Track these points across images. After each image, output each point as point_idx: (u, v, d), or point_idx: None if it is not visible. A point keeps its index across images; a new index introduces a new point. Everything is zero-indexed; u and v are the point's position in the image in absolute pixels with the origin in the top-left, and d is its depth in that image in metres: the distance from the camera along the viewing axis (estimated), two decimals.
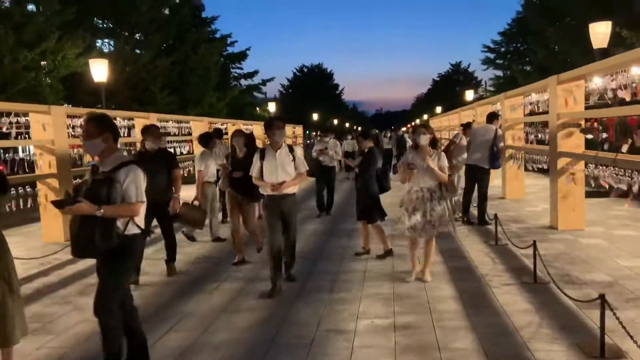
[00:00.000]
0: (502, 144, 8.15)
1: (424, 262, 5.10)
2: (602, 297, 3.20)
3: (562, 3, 20.36)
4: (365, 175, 6.00)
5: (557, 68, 22.82)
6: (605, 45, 11.98)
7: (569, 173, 6.70)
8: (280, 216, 4.87)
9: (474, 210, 7.95)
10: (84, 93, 18.32)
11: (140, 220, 3.12)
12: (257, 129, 19.56)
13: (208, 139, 7.55)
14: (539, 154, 8.28)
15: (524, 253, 5.67)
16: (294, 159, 4.89)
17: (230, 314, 4.33)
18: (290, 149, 4.94)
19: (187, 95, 23.37)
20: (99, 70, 13.44)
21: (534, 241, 4.86)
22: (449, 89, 62.15)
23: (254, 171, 4.94)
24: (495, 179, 13.04)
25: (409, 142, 16.11)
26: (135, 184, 3.03)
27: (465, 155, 8.17)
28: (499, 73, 32.49)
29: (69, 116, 8.48)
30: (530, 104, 9.08)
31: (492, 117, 8.33)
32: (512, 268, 5.37)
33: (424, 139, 4.91)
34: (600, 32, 11.78)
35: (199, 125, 13.64)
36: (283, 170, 4.80)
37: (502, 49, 31.20)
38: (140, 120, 10.52)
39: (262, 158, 4.85)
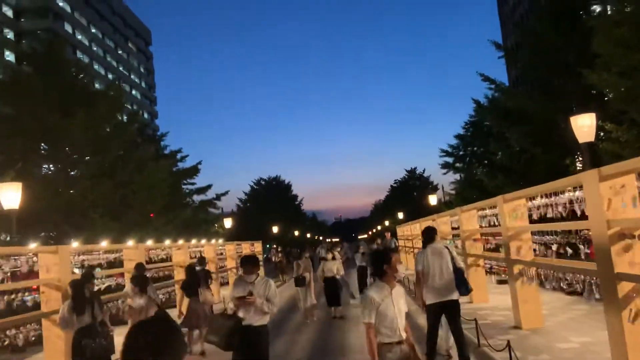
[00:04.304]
0: (460, 264, 6.54)
1: None
2: None
3: (521, 103, 20.21)
4: None
5: (520, 168, 22.37)
6: (592, 139, 10.87)
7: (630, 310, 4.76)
8: None
9: None
10: None
11: None
12: (209, 250, 17.23)
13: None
14: (573, 272, 6.39)
15: None
16: None
17: None
18: None
19: (131, 219, 20.95)
20: (10, 196, 11.13)
21: None
22: (407, 194, 62.31)
23: None
24: (493, 298, 11.11)
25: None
26: None
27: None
28: (458, 176, 32.17)
29: None
30: (538, 208, 7.40)
31: (433, 232, 6.61)
32: None
33: None
34: (584, 124, 10.68)
35: (133, 254, 11.23)
36: None
37: (461, 152, 31.06)
38: (46, 255, 8.10)
39: None
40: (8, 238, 18.20)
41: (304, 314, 11.36)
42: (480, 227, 10.67)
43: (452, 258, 6.36)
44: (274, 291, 5.31)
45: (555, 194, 7.24)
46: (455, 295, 6.27)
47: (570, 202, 7.07)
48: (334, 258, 11.64)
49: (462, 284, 6.27)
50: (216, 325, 5.01)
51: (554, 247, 7.56)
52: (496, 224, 9.70)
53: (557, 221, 7.42)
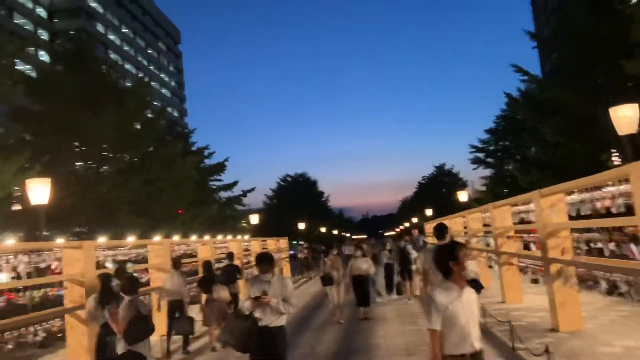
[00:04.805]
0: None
1: None
2: None
3: (557, 95, 19.48)
4: None
5: (555, 163, 21.57)
6: (634, 131, 10.25)
7: None
8: None
9: None
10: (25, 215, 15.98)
11: None
12: (234, 246, 17.12)
13: None
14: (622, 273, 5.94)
15: None
16: None
17: None
18: None
19: (157, 215, 21.11)
20: (38, 192, 11.23)
21: None
22: (435, 191, 61.35)
23: None
24: (527, 298, 10.62)
25: (413, 255, 13.57)
26: None
27: None
28: (488, 172, 31.42)
29: None
30: (578, 202, 6.96)
31: (443, 230, 6.60)
32: None
33: None
34: (625, 115, 10.10)
35: (158, 249, 11.19)
36: None
37: (492, 147, 30.28)
38: (70, 252, 8.08)
39: None
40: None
41: (332, 312, 10.70)
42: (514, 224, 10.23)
43: None
44: (290, 290, 4.99)
45: (596, 188, 6.83)
46: None
47: (613, 197, 6.66)
48: (363, 255, 10.98)
49: (470, 283, 6.11)
50: (231, 326, 4.79)
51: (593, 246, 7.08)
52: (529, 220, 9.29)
53: (596, 217, 6.98)
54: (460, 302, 3.28)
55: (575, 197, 7.40)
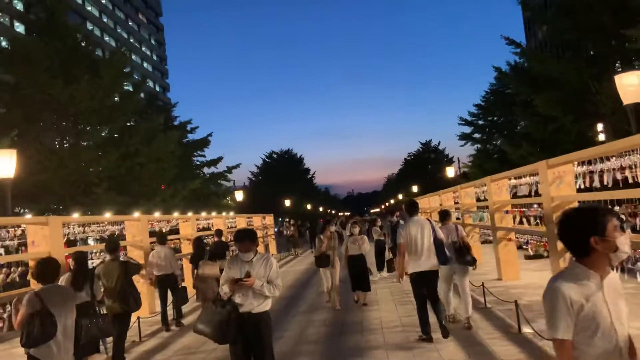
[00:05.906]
0: (441, 236, 6.63)
1: None
2: None
3: (550, 68, 18.99)
4: None
5: (549, 137, 21.22)
6: (639, 99, 9.74)
7: None
8: None
9: None
10: None
11: None
12: (218, 222, 16.49)
13: None
14: None
15: None
16: None
17: None
18: None
19: (137, 192, 20.28)
20: (3, 164, 10.37)
21: None
22: (421, 167, 61.07)
23: None
24: (524, 275, 10.16)
25: None
26: None
27: None
28: (475, 149, 31.05)
29: None
30: (590, 173, 6.47)
31: (415, 206, 6.93)
32: None
33: None
34: (630, 84, 9.57)
35: (135, 226, 10.50)
36: None
37: (480, 122, 29.83)
38: (34, 227, 7.37)
39: None
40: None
41: (328, 297, 9.54)
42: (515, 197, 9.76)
43: (433, 230, 6.56)
44: (275, 270, 4.30)
45: (602, 160, 6.38)
46: (435, 266, 6.48)
47: (623, 168, 6.23)
48: (360, 232, 9.72)
49: (440, 255, 6.47)
50: (207, 313, 4.15)
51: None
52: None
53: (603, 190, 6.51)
54: (602, 295, 2.13)
55: (583, 168, 6.94)
